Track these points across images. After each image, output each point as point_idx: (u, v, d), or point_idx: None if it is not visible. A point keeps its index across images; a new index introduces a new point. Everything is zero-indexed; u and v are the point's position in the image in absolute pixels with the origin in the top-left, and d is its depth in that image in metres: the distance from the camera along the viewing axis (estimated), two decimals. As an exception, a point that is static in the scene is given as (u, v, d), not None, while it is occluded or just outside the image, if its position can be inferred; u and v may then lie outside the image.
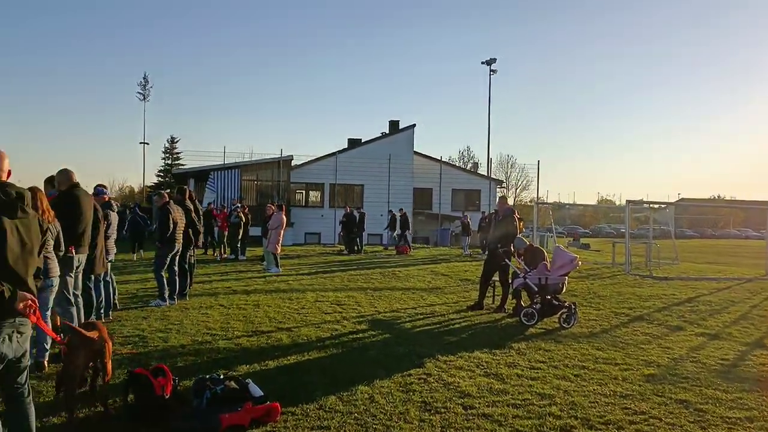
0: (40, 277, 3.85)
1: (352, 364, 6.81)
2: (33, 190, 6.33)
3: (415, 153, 38.46)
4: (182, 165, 55.98)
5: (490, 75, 47.46)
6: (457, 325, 9.46)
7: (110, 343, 5.34)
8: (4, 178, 3.57)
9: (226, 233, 21.52)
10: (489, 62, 47.12)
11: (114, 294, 9.86)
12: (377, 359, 7.07)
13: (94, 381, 5.44)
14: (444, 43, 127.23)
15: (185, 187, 11.74)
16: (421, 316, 10.13)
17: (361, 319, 9.65)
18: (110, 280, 9.76)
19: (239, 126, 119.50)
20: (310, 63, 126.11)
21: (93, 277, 8.25)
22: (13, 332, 3.49)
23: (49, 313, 6.45)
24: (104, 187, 9.51)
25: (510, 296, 10.93)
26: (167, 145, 66.98)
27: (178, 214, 10.60)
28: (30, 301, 3.49)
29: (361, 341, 8.07)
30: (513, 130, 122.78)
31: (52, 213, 6.34)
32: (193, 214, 11.43)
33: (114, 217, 9.07)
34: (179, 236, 10.63)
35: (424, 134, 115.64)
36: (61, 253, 6.51)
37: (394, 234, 28.84)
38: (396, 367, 6.76)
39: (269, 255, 17.05)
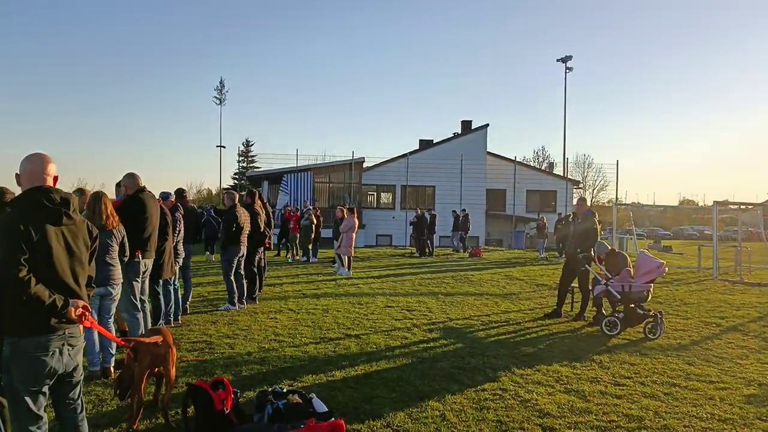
0: (93, 285, 3.68)
1: (422, 377, 6.46)
2: (98, 194, 6.30)
3: (488, 153, 37.79)
4: (257, 168, 57.02)
5: (566, 73, 46.27)
6: (533, 335, 8.97)
7: (174, 350, 5.19)
8: (50, 183, 3.40)
9: (298, 235, 21.54)
10: (565, 59, 45.94)
11: (187, 298, 9.86)
12: (449, 372, 6.70)
13: (158, 389, 5.31)
14: (518, 41, 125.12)
15: (254, 189, 11.65)
16: (495, 325, 9.69)
17: (432, 327, 9.29)
18: (186, 283, 9.78)
19: (312, 128, 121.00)
20: (381, 63, 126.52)
21: (162, 282, 8.21)
22: (63, 345, 3.33)
23: (111, 319, 6.38)
24: (184, 191, 9.54)
25: (590, 304, 10.35)
26: (242, 148, 68.40)
27: (244, 217, 10.51)
28: (83, 309, 3.33)
29: (432, 351, 7.71)
30: (590, 129, 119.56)
31: (116, 218, 6.30)
32: (262, 217, 11.32)
33: (182, 222, 9.01)
34: (244, 239, 10.54)
35: (498, 134, 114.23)
36: (126, 259, 6.44)
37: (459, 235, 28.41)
38: (469, 380, 6.38)
39: (340, 258, 16.89)
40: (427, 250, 24.69)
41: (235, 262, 10.46)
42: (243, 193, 13.53)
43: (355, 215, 17.31)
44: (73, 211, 3.38)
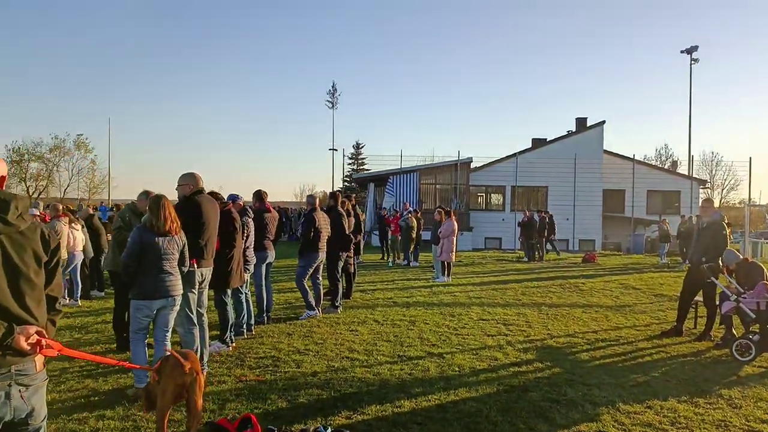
0: (58, 309, 2.95)
1: (506, 412, 5.45)
2: (159, 197, 5.77)
3: (605, 152, 35.56)
4: (367, 170, 56.99)
5: (691, 65, 42.95)
6: (647, 358, 7.70)
7: (202, 377, 4.52)
8: (-13, 184, 2.73)
9: (399, 238, 20.82)
10: (690, 50, 42.65)
11: (269, 308, 9.33)
12: (538, 406, 5.65)
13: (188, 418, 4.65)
14: (636, 31, 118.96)
15: (337, 191, 10.98)
16: (603, 344, 8.47)
17: (528, 345, 8.21)
18: (258, 290, 9.25)
19: (421, 129, 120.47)
20: (490, 61, 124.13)
21: (229, 292, 7.66)
22: (10, 385, 2.63)
23: (169, 333, 5.84)
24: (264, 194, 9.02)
25: (717, 322, 8.90)
26: (353, 150, 68.78)
27: (323, 221, 9.88)
28: (37, 336, 2.61)
29: (523, 377, 6.68)
30: (719, 125, 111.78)
31: (178, 223, 5.74)
32: (346, 220, 10.64)
33: (251, 226, 8.43)
34: (323, 245, 9.89)
35: (615, 132, 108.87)
36: (185, 269, 5.88)
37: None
38: (562, 419, 5.32)
39: (439, 263, 15.98)
40: (537, 255, 23.29)
41: (312, 269, 9.86)
42: (350, 195, 12.95)
43: (454, 218, 16.33)
44: (17, 217, 2.67)
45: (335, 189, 60.30)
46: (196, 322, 6.23)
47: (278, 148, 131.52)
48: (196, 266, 6.15)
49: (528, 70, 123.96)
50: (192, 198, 6.27)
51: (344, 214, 10.61)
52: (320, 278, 10.19)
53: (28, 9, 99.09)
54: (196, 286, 6.24)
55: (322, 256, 10.00)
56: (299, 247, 10.04)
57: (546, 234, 23.73)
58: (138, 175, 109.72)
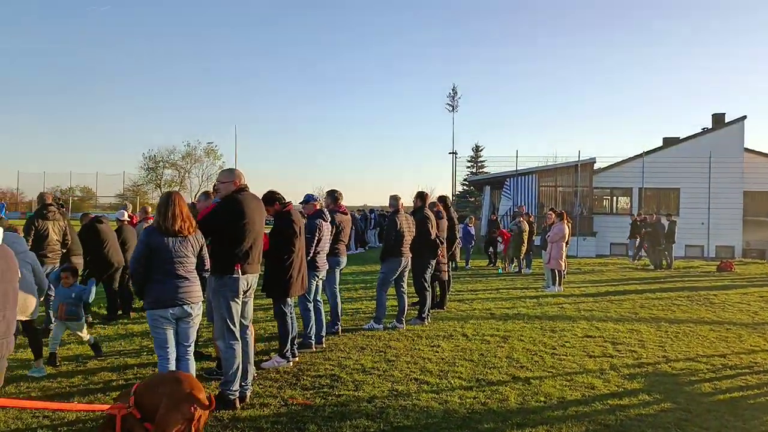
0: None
1: (590, 462, 4.35)
2: (168, 194, 5.12)
3: (746, 150, 32.22)
4: (487, 173, 55.53)
5: None
6: (789, 393, 6.24)
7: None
8: None
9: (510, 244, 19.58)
10: None
11: (338, 316, 8.60)
12: (635, 455, 4.49)
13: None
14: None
15: (424, 192, 10.06)
16: (732, 372, 7.02)
17: (636, 371, 6.93)
18: (332, 300, 8.54)
19: (541, 130, 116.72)
20: (614, 59, 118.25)
21: (290, 301, 6.96)
22: None
23: (191, 348, 5.20)
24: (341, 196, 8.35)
25: None
26: (472, 153, 67.35)
27: (405, 224, 9.00)
28: None
29: (623, 413, 5.46)
30: None
31: (192, 222, 5.11)
32: (433, 224, 9.69)
33: (326, 229, 7.69)
34: (406, 249, 9.01)
35: (759, 129, 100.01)
36: (207, 274, 5.24)
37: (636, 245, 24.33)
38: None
39: (549, 271, 14.65)
40: (664, 263, 21.18)
41: (394, 275, 9.03)
42: (445, 197, 12.04)
43: (566, 221, 14.93)
44: None
45: (455, 193, 59.48)
46: (238, 335, 5.54)
47: (398, 151, 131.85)
48: (240, 272, 5.45)
49: (656, 66, 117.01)
50: (232, 195, 5.60)
51: (431, 216, 9.68)
52: (405, 287, 9.32)
53: (174, 33, 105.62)
54: (240, 295, 5.54)
55: (406, 262, 9.14)
56: (380, 252, 9.25)
57: (655, 241, 21.57)
58: (261, 180, 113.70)
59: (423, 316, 9.55)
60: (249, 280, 5.64)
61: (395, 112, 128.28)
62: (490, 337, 8.60)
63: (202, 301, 5.23)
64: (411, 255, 9.20)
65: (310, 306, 7.59)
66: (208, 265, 5.25)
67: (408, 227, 9.09)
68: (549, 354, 7.62)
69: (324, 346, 7.78)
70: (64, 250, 9.10)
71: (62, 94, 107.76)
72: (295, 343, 7.15)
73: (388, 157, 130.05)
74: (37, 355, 6.46)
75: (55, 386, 6.05)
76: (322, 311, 7.90)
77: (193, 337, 5.20)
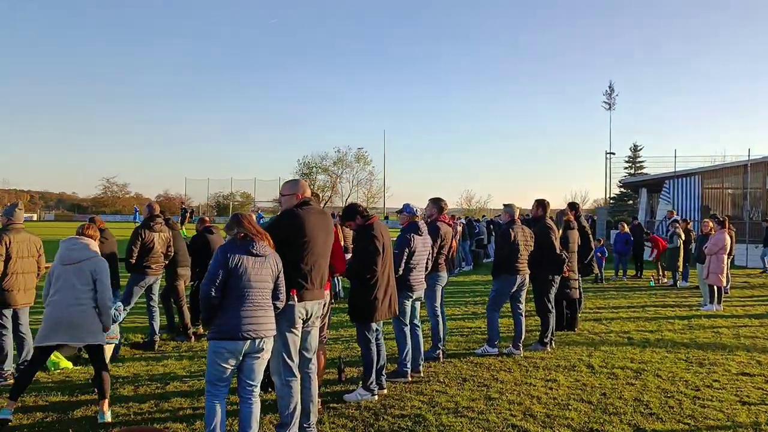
0: None
1: None
2: (237, 215, 4.64)
3: None
4: (646, 174, 51.78)
5: None
6: None
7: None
8: None
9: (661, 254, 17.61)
10: None
11: (439, 339, 7.71)
12: None
13: None
14: None
15: (544, 200, 8.87)
16: None
17: (805, 429, 5.46)
18: (434, 319, 7.67)
19: (705, 127, 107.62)
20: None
21: (374, 327, 6.17)
22: None
23: (257, 389, 4.56)
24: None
25: None
26: (630, 153, 63.26)
27: (521, 236, 7.98)
28: None
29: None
30: None
31: (269, 239, 4.56)
32: (556, 234, 8.54)
33: (421, 244, 6.82)
34: (521, 265, 7.96)
35: None
36: (280, 303, 4.57)
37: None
38: None
39: (706, 287, 12.78)
40: None
41: (507, 295, 8.04)
42: (576, 204, 10.78)
43: (728, 229, 12.97)
44: None
45: (611, 196, 56.17)
46: (296, 371, 4.84)
47: (547, 152, 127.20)
48: (296, 299, 4.76)
49: None
50: (291, 210, 4.92)
51: (554, 227, 8.52)
52: (522, 308, 8.25)
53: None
54: (298, 325, 4.84)
55: (522, 279, 8.10)
56: (492, 268, 8.26)
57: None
58: (410, 185, 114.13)
59: (545, 341, 8.41)
60: (309, 308, 4.92)
61: (546, 110, 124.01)
62: (620, 369, 7.32)
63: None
64: (528, 271, 8.13)
65: (406, 330, 6.77)
66: (283, 295, 4.61)
67: (524, 240, 8.04)
68: (690, 397, 6.26)
69: (422, 374, 6.93)
70: (167, 262, 8.97)
71: (225, 110, 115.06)
72: (384, 372, 6.36)
73: (534, 158, 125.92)
74: (101, 395, 5.55)
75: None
76: (420, 336, 7.06)
77: (260, 375, 4.55)
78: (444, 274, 7.76)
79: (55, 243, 6.37)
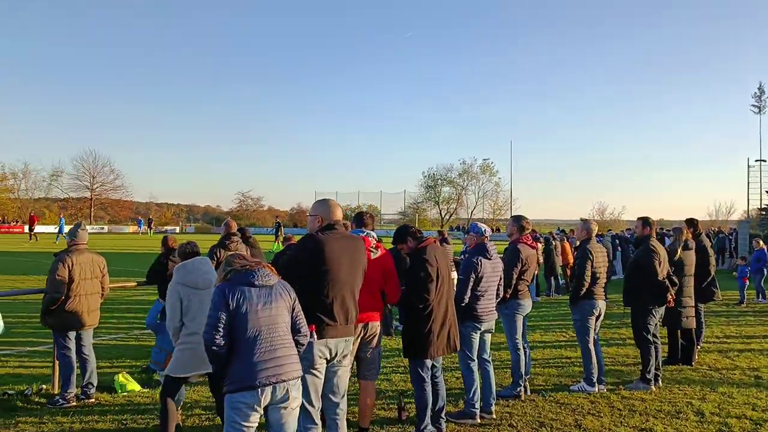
0: None
1: None
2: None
3: None
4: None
5: None
6: None
7: None
8: None
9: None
10: None
11: (520, 375, 6.86)
12: None
13: None
14: None
15: (648, 218, 7.72)
16: None
17: None
18: (525, 351, 6.85)
19: None
20: None
21: (429, 363, 5.47)
22: None
23: None
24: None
25: None
26: (784, 159, 57.46)
27: (601, 256, 7.07)
28: None
29: None
30: None
31: (271, 268, 4.01)
32: (662, 257, 7.41)
33: (489, 268, 6.03)
34: (601, 291, 7.02)
35: None
36: (303, 339, 3.99)
37: None
38: None
39: None
40: None
41: (591, 322, 7.15)
42: (695, 220, 9.51)
43: None
44: None
45: (761, 206, 51.50)
46: (317, 418, 4.26)
47: (687, 161, 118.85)
48: (315, 336, 4.19)
49: None
50: (311, 235, 4.36)
51: (659, 250, 7.40)
52: (597, 337, 7.34)
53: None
54: (319, 365, 4.26)
55: (603, 305, 7.20)
56: (570, 294, 7.32)
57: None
58: (537, 196, 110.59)
59: (647, 377, 7.31)
60: (333, 346, 4.33)
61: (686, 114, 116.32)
62: (735, 419, 6.13)
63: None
64: (606, 297, 7.28)
65: (473, 366, 6.01)
66: (305, 327, 3.99)
67: (603, 261, 7.11)
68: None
69: (494, 416, 6.12)
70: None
71: (350, 124, 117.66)
72: (443, 415, 5.64)
73: (672, 166, 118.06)
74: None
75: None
76: (491, 372, 6.26)
77: (293, 426, 3.85)
78: (526, 302, 6.92)
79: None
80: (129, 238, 51.27)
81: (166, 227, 67.27)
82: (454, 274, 6.89)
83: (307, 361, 4.19)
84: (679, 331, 8.42)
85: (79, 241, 6.93)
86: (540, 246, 16.23)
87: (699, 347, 8.97)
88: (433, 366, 5.54)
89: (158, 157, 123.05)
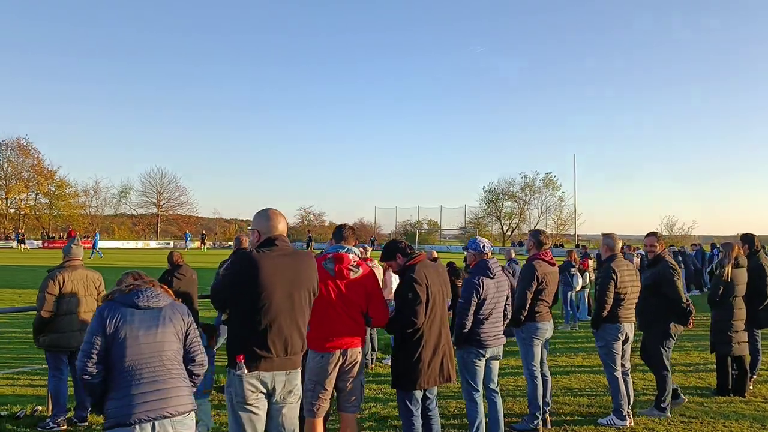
0: None
1: None
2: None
3: None
4: None
5: None
6: None
7: None
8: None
9: None
10: None
11: (537, 407, 6.18)
12: None
13: None
14: None
15: (655, 232, 6.92)
16: None
17: None
18: (545, 381, 6.19)
19: None
20: None
21: (418, 396, 4.89)
22: None
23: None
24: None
25: None
26: None
27: (627, 275, 6.42)
28: None
29: None
30: None
31: (164, 287, 3.57)
32: (679, 275, 6.68)
33: (492, 288, 5.40)
34: (628, 313, 6.38)
35: None
36: (198, 368, 3.57)
37: None
38: None
39: None
40: None
41: (617, 347, 6.46)
42: (752, 235, 8.62)
43: None
44: None
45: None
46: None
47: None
48: (244, 367, 3.67)
49: None
50: (242, 252, 3.86)
51: (676, 267, 6.65)
52: (628, 365, 6.61)
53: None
54: (255, 401, 3.71)
55: (629, 329, 6.49)
56: (592, 317, 6.60)
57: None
58: (603, 211, 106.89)
59: (663, 406, 6.59)
60: (270, 380, 3.77)
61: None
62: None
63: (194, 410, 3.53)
64: (636, 320, 6.58)
65: (477, 397, 5.38)
66: (201, 356, 3.57)
67: (632, 280, 6.39)
68: None
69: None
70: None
71: (409, 140, 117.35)
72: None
73: (741, 181, 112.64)
74: None
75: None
76: (499, 404, 5.61)
77: None
78: (546, 325, 6.25)
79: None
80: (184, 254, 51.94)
81: (229, 243, 68.22)
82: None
83: (237, 396, 3.70)
84: (729, 358, 7.56)
85: (73, 257, 6.68)
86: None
87: (753, 377, 8.05)
88: (425, 398, 4.97)
89: (222, 172, 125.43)
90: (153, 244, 63.88)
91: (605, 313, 6.29)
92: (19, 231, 57.83)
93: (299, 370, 3.95)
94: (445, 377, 4.90)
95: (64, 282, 6.43)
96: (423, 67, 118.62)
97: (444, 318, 4.99)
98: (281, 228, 4.00)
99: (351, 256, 4.64)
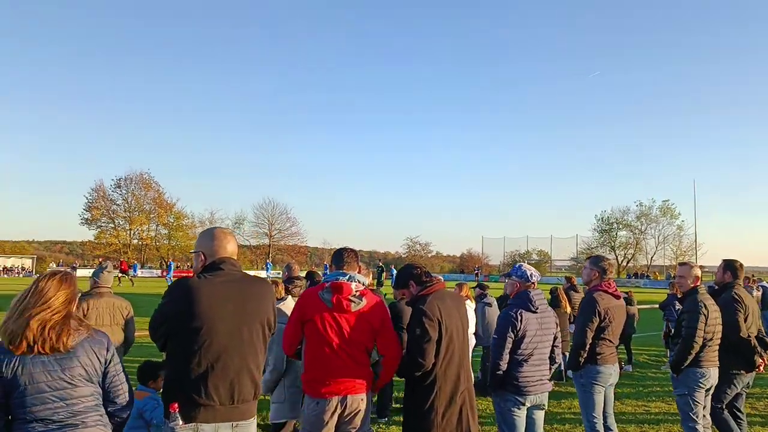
0: None
1: None
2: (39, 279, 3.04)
3: None
4: None
5: None
6: None
7: None
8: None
9: None
10: None
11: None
12: None
13: None
14: None
15: (735, 261, 5.68)
16: None
17: None
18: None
19: None
20: None
21: None
22: None
23: None
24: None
25: None
26: None
27: (713, 312, 5.25)
28: None
29: None
30: None
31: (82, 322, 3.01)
32: (754, 312, 5.48)
33: (534, 324, 4.52)
34: (713, 356, 5.28)
35: None
36: (119, 409, 3.06)
37: None
38: None
39: None
40: None
41: (700, 397, 5.33)
42: None
43: None
44: None
45: None
46: None
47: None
48: (180, 419, 3.04)
49: None
50: (182, 281, 3.20)
51: (745, 299, 5.45)
52: (705, 416, 5.42)
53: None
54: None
55: (715, 374, 5.37)
56: (672, 361, 5.47)
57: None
58: (729, 240, 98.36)
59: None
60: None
61: None
62: None
63: None
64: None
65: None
66: (123, 397, 3.01)
67: (715, 318, 5.25)
68: None
69: None
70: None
71: (514, 168, 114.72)
72: None
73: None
74: None
75: None
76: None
77: None
78: (609, 369, 5.23)
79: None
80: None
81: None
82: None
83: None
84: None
85: (101, 284, 6.38)
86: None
87: None
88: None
89: (329, 204, 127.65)
90: (263, 273, 65.45)
91: (690, 356, 5.21)
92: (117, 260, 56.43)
93: (252, 421, 3.26)
94: (464, 431, 4.06)
95: (88, 309, 6.12)
96: (537, 95, 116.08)
97: (464, 359, 4.17)
98: (230, 249, 3.36)
99: (353, 285, 3.95)
